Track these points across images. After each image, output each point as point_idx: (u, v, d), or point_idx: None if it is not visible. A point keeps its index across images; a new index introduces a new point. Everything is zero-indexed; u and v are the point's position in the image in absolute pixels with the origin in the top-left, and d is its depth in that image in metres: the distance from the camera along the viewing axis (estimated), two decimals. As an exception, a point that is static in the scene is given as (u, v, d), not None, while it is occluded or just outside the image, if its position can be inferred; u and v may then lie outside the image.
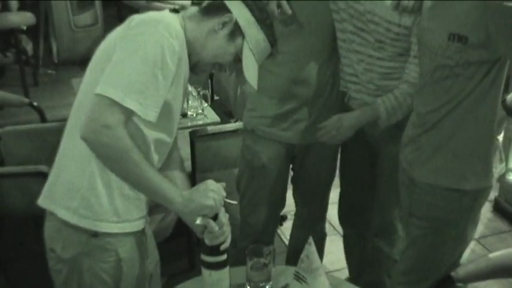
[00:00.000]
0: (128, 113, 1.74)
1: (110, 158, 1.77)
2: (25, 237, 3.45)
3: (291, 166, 2.91)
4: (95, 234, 1.91)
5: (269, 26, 2.03)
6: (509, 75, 2.24)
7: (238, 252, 1.97)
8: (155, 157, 1.96)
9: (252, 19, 1.97)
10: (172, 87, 1.84)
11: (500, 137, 4.14)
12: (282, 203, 3.01)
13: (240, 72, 2.01)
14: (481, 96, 2.08)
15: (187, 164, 3.53)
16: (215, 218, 1.91)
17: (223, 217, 1.94)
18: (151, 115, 1.77)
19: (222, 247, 1.96)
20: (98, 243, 1.92)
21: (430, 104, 2.20)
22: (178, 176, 2.14)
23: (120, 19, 1.91)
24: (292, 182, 3.01)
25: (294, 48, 2.52)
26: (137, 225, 2.00)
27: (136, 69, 1.73)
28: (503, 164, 2.30)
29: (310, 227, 3.00)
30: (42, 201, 1.96)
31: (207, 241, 1.94)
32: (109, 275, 1.96)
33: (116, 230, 1.93)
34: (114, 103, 1.70)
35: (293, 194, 3.07)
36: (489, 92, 2.08)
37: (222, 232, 1.94)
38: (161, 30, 1.77)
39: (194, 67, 1.99)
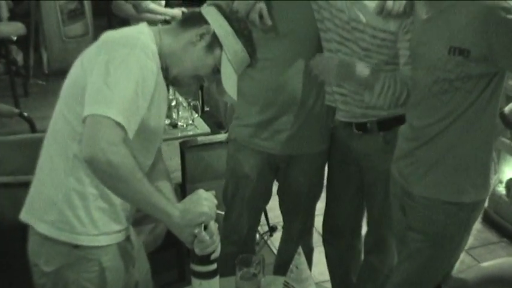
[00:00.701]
0: (124, 131, 1.70)
1: (116, 177, 1.71)
2: (12, 248, 3.43)
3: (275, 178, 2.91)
4: (76, 246, 1.91)
5: (247, 36, 2.03)
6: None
7: (221, 260, 1.97)
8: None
9: (229, 29, 1.98)
10: (150, 107, 1.84)
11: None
12: (261, 210, 3.06)
13: (219, 83, 2.01)
14: (481, 109, 2.07)
15: (177, 175, 3.53)
16: (205, 227, 1.91)
17: (213, 226, 1.95)
18: (131, 134, 1.75)
19: (213, 256, 1.96)
20: (80, 254, 1.92)
21: (428, 118, 2.17)
22: (166, 187, 2.14)
23: (111, 29, 1.91)
24: (278, 194, 3.00)
25: (276, 55, 2.52)
26: (115, 238, 1.99)
27: (121, 88, 1.71)
28: (497, 174, 2.31)
29: (298, 241, 2.99)
30: (23, 216, 1.97)
31: (197, 251, 1.94)
32: (94, 285, 1.96)
33: (95, 243, 1.93)
34: (111, 121, 1.68)
35: (279, 207, 3.07)
36: (489, 104, 2.07)
37: (213, 241, 1.94)
38: (139, 53, 1.77)
39: (174, 80, 1.98)
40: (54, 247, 1.91)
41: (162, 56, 1.91)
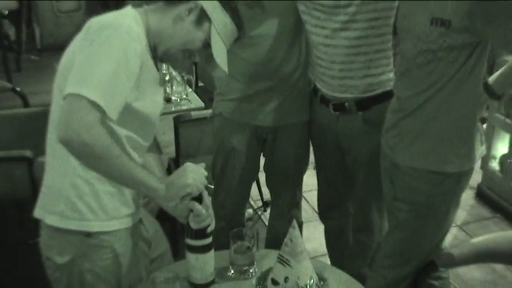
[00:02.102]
0: (100, 110, 1.69)
1: (92, 157, 1.72)
2: (5, 223, 3.43)
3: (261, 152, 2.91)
4: (88, 235, 1.90)
5: (234, 9, 2.04)
6: (493, 57, 2.25)
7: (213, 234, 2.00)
8: (134, 155, 1.95)
9: (216, 3, 1.98)
10: (137, 91, 1.83)
11: (485, 126, 4.21)
12: (251, 184, 3.05)
13: (209, 58, 2.01)
14: (464, 79, 2.09)
15: (171, 150, 3.53)
16: (200, 200, 1.91)
17: (208, 199, 1.95)
18: (113, 113, 1.73)
19: (209, 229, 1.96)
20: (93, 242, 1.91)
21: (412, 88, 2.20)
22: (154, 158, 2.15)
23: (103, 4, 1.90)
24: (265, 169, 3.01)
25: (259, 31, 2.52)
26: (127, 222, 1.99)
27: (101, 68, 1.70)
28: (484, 146, 2.32)
29: (286, 215, 3.00)
30: (36, 212, 1.96)
31: (193, 225, 1.94)
32: (109, 273, 1.97)
33: (106, 229, 1.92)
34: (86, 101, 1.66)
35: (266, 183, 3.08)
36: (472, 74, 2.09)
37: (208, 214, 1.95)
38: (123, 34, 1.75)
39: (164, 56, 1.97)
40: (65, 238, 1.91)
41: (150, 35, 1.90)
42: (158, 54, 1.95)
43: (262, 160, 2.97)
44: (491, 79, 2.16)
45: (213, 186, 2.89)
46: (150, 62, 1.91)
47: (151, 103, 1.97)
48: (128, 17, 1.84)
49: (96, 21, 1.80)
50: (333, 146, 2.71)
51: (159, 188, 1.83)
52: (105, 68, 1.70)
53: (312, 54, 2.56)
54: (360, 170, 2.69)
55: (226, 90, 2.73)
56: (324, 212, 3.08)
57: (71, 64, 1.75)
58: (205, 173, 1.91)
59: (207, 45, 1.99)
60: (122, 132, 1.87)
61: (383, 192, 2.51)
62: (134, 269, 2.05)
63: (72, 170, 1.85)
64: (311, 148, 2.91)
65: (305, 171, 2.99)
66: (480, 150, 2.28)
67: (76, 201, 1.88)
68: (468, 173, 2.26)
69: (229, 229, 2.14)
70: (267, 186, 3.10)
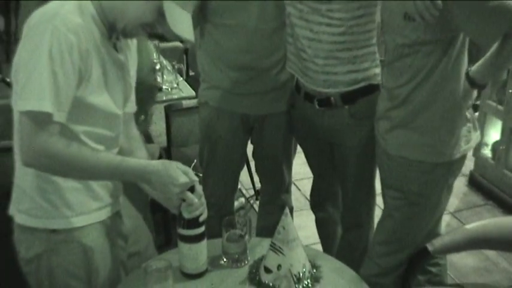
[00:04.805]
0: (49, 115, 1.64)
1: (62, 171, 1.75)
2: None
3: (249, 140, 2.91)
4: (54, 231, 1.88)
5: None
6: (478, 48, 2.25)
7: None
8: (100, 147, 1.90)
9: None
10: (88, 82, 1.76)
11: (477, 114, 4.21)
12: (239, 173, 3.03)
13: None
14: (447, 71, 2.11)
15: (163, 139, 3.51)
16: (192, 190, 1.90)
17: (199, 188, 1.93)
18: (62, 116, 1.69)
19: (201, 218, 1.94)
20: (59, 238, 1.89)
21: (396, 79, 2.22)
22: (142, 154, 2.12)
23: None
24: (253, 156, 3.01)
25: (240, 20, 2.50)
26: (97, 217, 1.96)
27: (38, 71, 1.64)
28: (478, 132, 2.32)
29: (276, 201, 3.01)
30: (10, 209, 1.94)
31: (185, 214, 1.93)
32: (79, 268, 1.94)
33: (71, 225, 1.90)
34: (36, 115, 1.63)
35: (256, 170, 3.09)
36: (454, 66, 2.11)
37: (201, 203, 1.93)
38: (57, 25, 1.66)
39: (123, 33, 1.89)
40: (32, 234, 1.89)
41: (105, 14, 1.83)
42: (118, 32, 1.88)
43: (251, 148, 2.96)
44: (473, 69, 2.17)
45: (200, 174, 2.88)
46: (104, 48, 1.84)
47: (112, 92, 1.89)
48: (63, 7, 1.73)
49: (34, 16, 1.73)
50: (321, 141, 2.70)
51: (147, 169, 1.81)
52: (41, 70, 1.64)
53: (297, 48, 2.51)
54: (349, 166, 2.67)
55: (210, 78, 2.71)
56: (316, 203, 3.08)
57: (17, 65, 1.72)
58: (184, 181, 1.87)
59: (163, 15, 1.87)
60: (79, 129, 1.82)
61: (381, 180, 2.50)
62: (109, 264, 2.01)
63: (33, 170, 1.81)
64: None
65: (293, 156, 2.99)
66: (474, 136, 2.29)
67: (39, 200, 1.86)
68: (460, 160, 2.28)
69: (218, 218, 2.13)
70: (257, 173, 3.11)
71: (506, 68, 2.18)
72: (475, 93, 2.23)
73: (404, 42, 2.12)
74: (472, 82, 2.16)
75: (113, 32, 1.87)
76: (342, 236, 2.98)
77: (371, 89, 2.46)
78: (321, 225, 3.16)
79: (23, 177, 1.87)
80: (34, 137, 1.65)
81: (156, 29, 1.95)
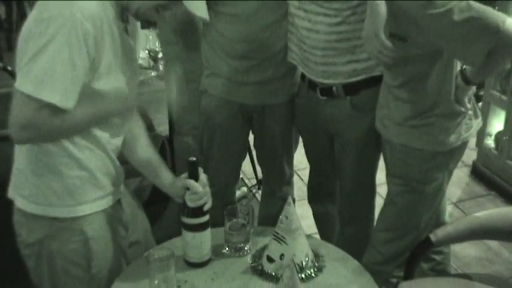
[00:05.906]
0: (48, 104, 1.63)
1: (50, 140, 1.77)
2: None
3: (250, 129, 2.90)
4: (56, 218, 1.87)
5: None
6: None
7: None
8: (104, 135, 1.90)
9: None
10: (96, 70, 1.75)
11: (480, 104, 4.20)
12: (240, 162, 3.02)
13: (186, 12, 1.95)
14: (441, 73, 2.14)
15: (165, 128, 3.50)
16: (196, 178, 1.89)
17: (204, 177, 1.92)
18: (70, 103, 1.66)
19: (206, 207, 1.95)
20: (61, 225, 1.88)
21: (393, 80, 2.25)
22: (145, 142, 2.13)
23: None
24: (254, 146, 3.01)
25: (241, 9, 2.48)
26: (99, 205, 1.95)
27: (52, 57, 1.61)
28: (479, 119, 2.34)
29: (277, 193, 3.01)
30: (9, 192, 1.94)
31: (190, 203, 1.92)
32: (79, 256, 1.93)
33: (74, 214, 1.88)
34: (30, 98, 1.61)
35: (257, 160, 3.08)
36: (447, 70, 2.15)
37: (206, 192, 1.92)
38: (75, 12, 1.63)
39: (137, 16, 1.89)
40: (34, 220, 1.88)
41: None
42: (132, 15, 1.88)
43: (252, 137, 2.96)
44: (467, 68, 2.17)
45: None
46: (117, 30, 1.82)
47: (118, 77, 1.86)
48: None
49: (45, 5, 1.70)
50: (322, 132, 2.68)
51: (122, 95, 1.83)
52: (56, 57, 1.62)
53: (298, 38, 2.49)
54: (348, 159, 2.65)
55: (211, 67, 2.70)
56: (313, 197, 3.07)
57: (25, 40, 1.69)
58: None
59: None
60: None
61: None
62: (110, 253, 2.01)
63: (35, 157, 1.81)
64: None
65: (294, 147, 2.98)
66: (475, 124, 2.31)
67: (41, 187, 1.85)
68: (461, 146, 2.30)
69: (220, 207, 2.12)
70: (258, 163, 3.10)
71: (498, 69, 2.17)
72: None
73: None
74: (467, 80, 2.16)
75: (126, 13, 1.86)
76: (340, 230, 2.98)
77: (373, 81, 2.43)
78: (318, 219, 3.16)
79: (26, 164, 1.85)
80: (22, 114, 1.63)
81: (171, 10, 1.94)
